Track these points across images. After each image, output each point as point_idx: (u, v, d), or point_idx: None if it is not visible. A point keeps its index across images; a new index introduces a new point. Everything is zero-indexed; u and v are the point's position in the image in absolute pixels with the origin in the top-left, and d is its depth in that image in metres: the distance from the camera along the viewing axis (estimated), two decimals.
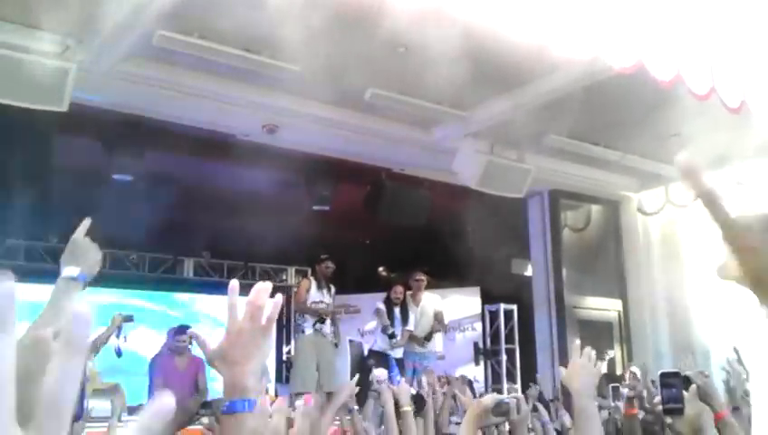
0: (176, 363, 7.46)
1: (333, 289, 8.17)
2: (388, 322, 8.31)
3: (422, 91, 6.22)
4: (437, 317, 8.81)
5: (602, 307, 9.24)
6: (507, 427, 3.11)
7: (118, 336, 7.86)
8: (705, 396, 2.75)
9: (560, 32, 4.59)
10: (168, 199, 7.64)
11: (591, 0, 4.59)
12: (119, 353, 8.07)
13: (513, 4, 4.48)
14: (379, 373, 4.97)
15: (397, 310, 8.40)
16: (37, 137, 5.97)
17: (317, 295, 7.97)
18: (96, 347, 7.50)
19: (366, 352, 8.82)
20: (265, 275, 11.47)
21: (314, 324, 7.85)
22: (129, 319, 8.00)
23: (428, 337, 8.66)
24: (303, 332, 7.95)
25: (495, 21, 4.69)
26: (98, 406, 5.19)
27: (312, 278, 8.31)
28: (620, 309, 9.23)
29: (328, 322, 7.94)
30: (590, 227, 9.54)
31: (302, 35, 4.86)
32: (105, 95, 5.77)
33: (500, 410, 2.56)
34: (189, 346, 7.57)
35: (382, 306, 8.42)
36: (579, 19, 4.57)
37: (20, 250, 9.48)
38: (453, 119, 6.89)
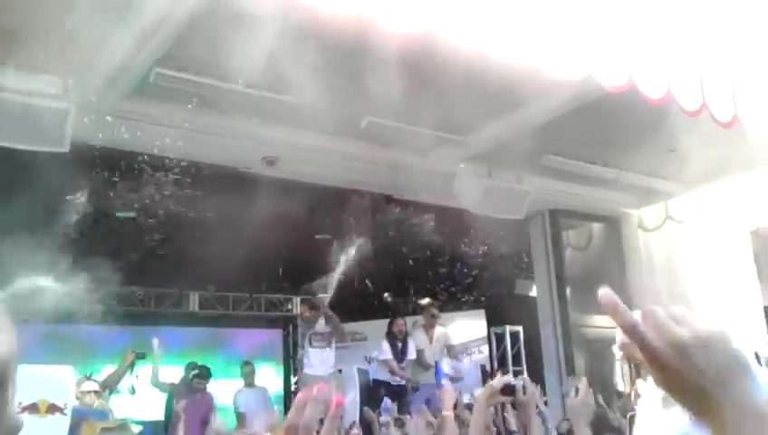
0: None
1: (337, 320, 8.22)
2: (394, 364, 8.31)
3: (418, 117, 6.29)
4: (450, 351, 8.80)
5: (609, 325, 9.11)
6: None
7: (131, 374, 7.93)
8: None
9: (551, 53, 4.67)
10: (171, 234, 7.70)
11: (582, 21, 4.67)
12: (132, 391, 8.10)
13: (504, 28, 4.55)
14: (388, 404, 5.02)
15: (399, 344, 8.39)
16: (39, 177, 6.04)
17: (319, 327, 8.06)
18: (109, 385, 7.55)
19: (371, 381, 8.80)
20: (271, 306, 11.51)
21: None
22: (141, 356, 8.08)
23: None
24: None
25: (488, 45, 4.77)
26: None
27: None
28: None
29: (328, 350, 8.02)
30: (592, 245, 9.56)
31: (296, 68, 4.96)
32: (105, 134, 5.85)
33: (508, 390, 2.84)
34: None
35: (387, 349, 8.39)
36: (569, 40, 4.64)
37: (24, 289, 9.50)
38: (450, 144, 6.96)
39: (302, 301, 11.45)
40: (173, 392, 7.86)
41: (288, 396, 11.27)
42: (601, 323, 9.20)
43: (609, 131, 6.74)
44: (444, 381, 5.95)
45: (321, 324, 8.25)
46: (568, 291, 8.89)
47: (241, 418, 8.13)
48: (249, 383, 8.61)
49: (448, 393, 3.41)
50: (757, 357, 4.42)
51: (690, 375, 0.81)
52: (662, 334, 0.83)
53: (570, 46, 4.65)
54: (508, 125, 6.62)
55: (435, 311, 8.73)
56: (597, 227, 9.59)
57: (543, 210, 8.94)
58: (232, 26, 4.54)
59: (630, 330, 0.86)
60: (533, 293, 9.73)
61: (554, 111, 6.22)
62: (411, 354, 8.43)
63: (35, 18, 4.45)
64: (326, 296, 8.17)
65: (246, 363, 8.80)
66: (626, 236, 9.37)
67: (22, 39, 4.67)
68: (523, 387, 2.95)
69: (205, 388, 7.95)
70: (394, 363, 8.26)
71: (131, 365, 7.93)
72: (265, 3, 4.09)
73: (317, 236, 8.31)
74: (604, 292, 0.89)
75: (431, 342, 8.56)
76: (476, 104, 6.13)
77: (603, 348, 8.94)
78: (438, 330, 8.76)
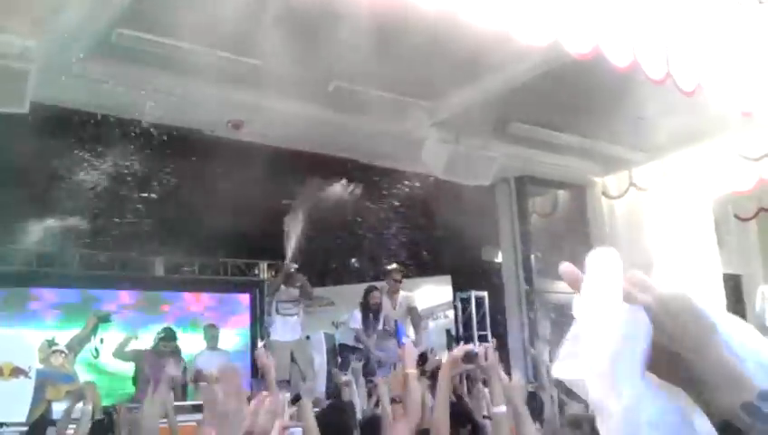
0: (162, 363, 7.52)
1: (301, 279, 8.24)
2: (362, 334, 8.37)
3: (386, 82, 6.26)
4: (412, 313, 8.87)
5: (573, 291, 9.35)
6: None
7: (94, 336, 7.88)
8: None
9: (518, 19, 4.67)
10: (135, 197, 7.62)
11: None
12: (96, 353, 8.06)
13: None
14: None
15: (371, 314, 8.44)
16: None
17: (284, 294, 8.10)
18: (72, 348, 7.51)
19: (337, 345, 8.87)
20: (237, 271, 11.48)
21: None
22: (105, 319, 8.03)
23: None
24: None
25: (455, 10, 4.74)
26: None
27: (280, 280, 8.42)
28: None
29: (295, 318, 8.07)
30: (557, 212, 9.67)
31: (262, 30, 4.89)
32: (65, 95, 5.73)
33: (469, 358, 2.93)
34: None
35: (359, 318, 8.43)
36: (536, 6, 4.65)
37: None
38: (418, 109, 6.94)
39: (269, 266, 11.47)
40: (139, 360, 7.83)
41: (254, 360, 11.32)
42: (566, 289, 9.34)
43: (576, 99, 6.78)
44: (405, 340, 6.00)
45: (287, 292, 8.28)
46: (533, 257, 9.00)
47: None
48: (212, 347, 8.63)
49: (409, 351, 3.46)
50: None
51: (658, 342, 0.80)
52: (626, 297, 0.82)
53: (536, 12, 4.65)
54: (476, 91, 6.62)
55: (398, 275, 8.79)
56: (562, 194, 9.68)
57: (510, 177, 9.00)
58: None
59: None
60: (499, 259, 9.83)
61: (521, 77, 6.24)
62: (380, 326, 8.50)
63: None
64: (294, 265, 8.18)
65: (211, 326, 8.81)
66: (590, 204, 9.47)
67: None
68: (485, 354, 3.01)
69: (173, 350, 7.94)
70: (363, 334, 8.33)
71: (94, 328, 7.88)
72: None
73: (284, 202, 8.27)
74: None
75: (395, 307, 8.63)
76: (444, 70, 6.12)
77: (569, 313, 9.08)
78: (401, 294, 8.82)
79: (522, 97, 6.55)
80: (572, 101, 6.85)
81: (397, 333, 8.22)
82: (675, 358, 0.79)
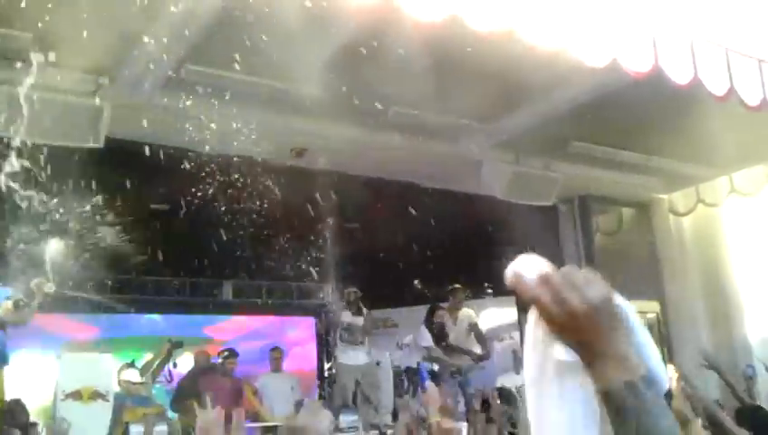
0: (221, 383, 7.73)
1: (365, 311, 8.31)
2: (435, 351, 8.39)
3: (445, 105, 6.33)
4: (474, 329, 8.84)
5: (640, 310, 9.09)
6: None
7: (168, 362, 8.17)
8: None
9: (575, 40, 4.68)
10: (205, 225, 7.86)
11: (606, 7, 4.68)
12: (170, 379, 8.31)
13: (528, 15, 4.56)
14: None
15: (438, 331, 8.46)
16: (75, 172, 6.22)
17: (348, 320, 8.17)
18: (148, 371, 7.79)
19: (403, 368, 8.89)
20: (302, 294, 11.66)
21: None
22: (178, 345, 8.33)
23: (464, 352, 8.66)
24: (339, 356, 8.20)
25: (513, 33, 4.79)
26: None
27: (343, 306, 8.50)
28: (658, 311, 9.18)
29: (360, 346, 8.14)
30: (622, 230, 9.52)
31: (322, 60, 5.04)
32: (139, 129, 5.99)
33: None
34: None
35: (428, 336, 8.46)
36: (594, 26, 4.65)
37: (66, 282, 9.77)
38: (476, 131, 6.99)
39: (333, 289, 11.61)
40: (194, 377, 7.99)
41: (322, 382, 11.44)
42: (635, 308, 9.18)
43: (637, 116, 6.71)
44: (427, 384, 5.81)
45: (352, 319, 8.32)
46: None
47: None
48: (275, 369, 8.74)
49: (432, 397, 3.15)
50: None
51: (579, 334, 0.99)
52: (557, 301, 0.99)
53: (594, 32, 4.65)
54: (535, 112, 6.63)
55: (460, 294, 8.78)
56: (627, 212, 9.54)
57: (573, 196, 8.93)
58: (258, 22, 4.64)
59: (532, 298, 1.02)
60: None
61: (580, 97, 6.22)
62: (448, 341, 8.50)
63: (69, 18, 4.58)
64: (355, 291, 8.25)
65: (274, 349, 8.93)
66: (656, 221, 9.31)
67: (56, 38, 4.82)
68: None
69: (233, 370, 8.13)
70: (435, 350, 8.34)
71: (169, 354, 8.17)
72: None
73: (347, 225, 8.40)
74: (508, 271, 1.06)
75: (455, 323, 8.63)
76: (502, 91, 6.15)
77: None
78: (462, 312, 8.81)
79: (582, 116, 6.52)
80: (634, 119, 6.78)
81: (420, 378, 8.17)
82: (587, 347, 0.98)
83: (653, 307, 9.24)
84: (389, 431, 6.90)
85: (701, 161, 8.16)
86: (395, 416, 7.71)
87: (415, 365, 8.83)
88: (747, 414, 3.82)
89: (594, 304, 0.99)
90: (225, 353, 8.38)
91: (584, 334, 0.99)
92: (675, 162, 8.06)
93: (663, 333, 9.10)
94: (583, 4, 4.56)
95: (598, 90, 5.99)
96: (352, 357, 8.22)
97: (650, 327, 9.16)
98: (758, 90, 5.24)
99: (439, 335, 8.42)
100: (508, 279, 1.05)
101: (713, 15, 5.10)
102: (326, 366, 11.50)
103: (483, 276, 9.75)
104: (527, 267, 1.04)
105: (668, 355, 8.94)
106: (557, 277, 1.01)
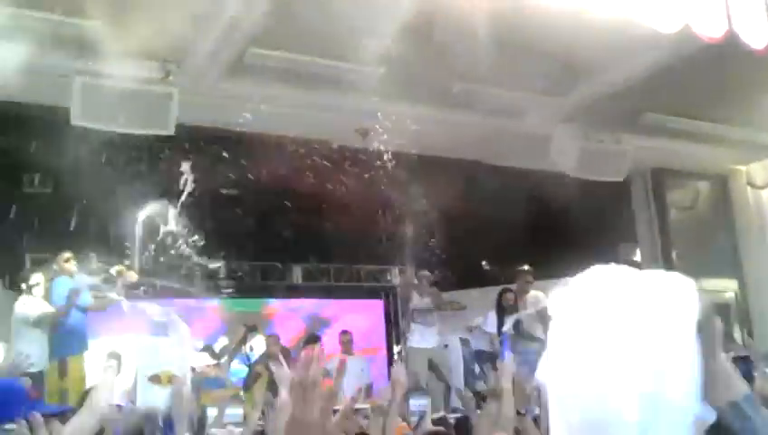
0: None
1: (437, 294, 8.31)
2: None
3: (510, 80, 6.22)
4: (541, 313, 8.68)
5: (718, 289, 8.87)
6: None
7: (244, 345, 8.36)
8: None
9: (646, 6, 4.53)
10: (273, 209, 7.96)
11: None
12: (247, 362, 8.48)
13: None
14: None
15: (506, 317, 8.37)
16: (144, 159, 6.39)
17: (419, 303, 8.16)
18: (225, 355, 7.99)
19: (473, 352, 8.84)
20: (370, 277, 11.72)
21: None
22: (253, 329, 8.51)
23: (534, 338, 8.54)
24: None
25: (579, 2, 4.67)
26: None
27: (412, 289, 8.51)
28: (737, 289, 8.85)
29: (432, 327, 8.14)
30: (698, 204, 9.20)
31: (384, 38, 5.01)
32: (206, 114, 6.11)
33: None
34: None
35: (494, 321, 8.40)
36: None
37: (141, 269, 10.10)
38: (543, 106, 6.84)
39: (400, 271, 11.63)
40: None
41: (390, 366, 11.49)
42: (711, 287, 8.88)
43: (712, 85, 6.45)
44: (506, 355, 5.82)
45: (421, 300, 8.32)
46: (674, 254, 8.61)
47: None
48: (345, 352, 8.81)
49: (507, 369, 3.50)
50: None
51: None
52: None
53: None
54: (603, 84, 6.45)
55: (529, 277, 8.63)
56: (703, 185, 9.21)
57: (645, 170, 8.68)
58: (319, 3, 4.65)
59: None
60: (638, 257, 9.47)
61: (651, 66, 6.01)
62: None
63: (137, 7, 4.69)
64: (424, 273, 8.24)
65: (344, 332, 9.01)
66: (734, 194, 8.96)
67: (125, 27, 4.93)
68: None
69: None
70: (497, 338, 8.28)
71: (244, 338, 8.35)
72: None
73: (414, 207, 8.36)
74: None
75: (524, 307, 8.50)
76: (570, 64, 6.02)
77: (713, 313, 8.63)
78: (531, 294, 8.68)
79: (653, 86, 6.30)
80: (709, 88, 6.52)
81: (502, 345, 8.08)
82: None
83: (731, 285, 8.92)
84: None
85: None
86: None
87: (484, 348, 8.76)
88: None
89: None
90: (305, 338, 8.53)
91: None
92: (752, 131, 7.72)
93: (742, 313, 8.77)
94: None
95: (669, 58, 5.78)
96: (423, 339, 8.21)
97: (728, 306, 8.84)
98: None
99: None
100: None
101: None
102: (395, 349, 11.55)
103: (555, 256, 9.58)
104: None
105: (749, 335, 8.63)
106: None
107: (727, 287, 8.95)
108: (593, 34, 5.12)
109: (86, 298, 6.49)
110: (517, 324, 8.33)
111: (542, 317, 8.68)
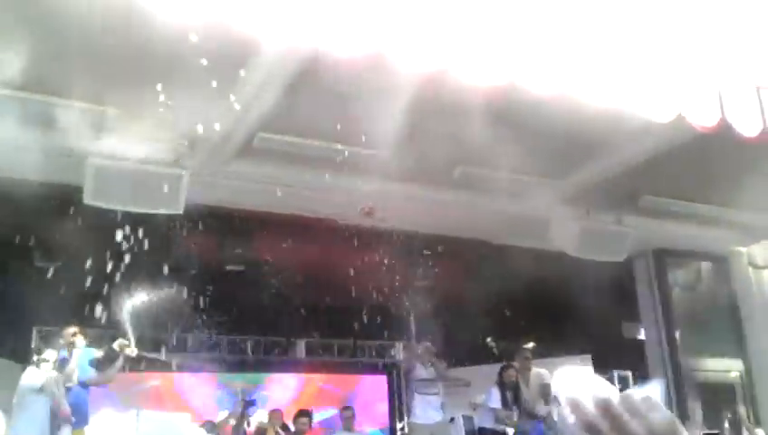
0: None
1: (440, 365, 8.28)
2: (502, 413, 8.26)
3: (511, 163, 6.36)
4: (544, 390, 8.64)
5: (723, 368, 8.84)
6: None
7: (244, 420, 8.32)
8: None
9: (640, 97, 4.69)
10: (277, 285, 8.05)
11: (669, 62, 4.68)
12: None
13: (591, 75, 4.61)
14: None
15: (508, 392, 8.34)
16: (153, 236, 6.51)
17: (422, 373, 8.13)
18: (220, 430, 7.96)
19: (476, 429, 8.76)
20: (374, 353, 11.70)
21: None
22: (250, 403, 8.49)
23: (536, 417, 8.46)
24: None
25: (576, 92, 4.83)
26: None
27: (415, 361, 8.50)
28: (742, 369, 8.80)
29: (435, 397, 8.07)
30: (701, 284, 9.24)
31: (388, 125, 5.19)
32: (214, 195, 6.26)
33: None
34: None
35: (497, 393, 8.36)
36: (657, 82, 4.66)
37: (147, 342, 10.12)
38: (545, 188, 6.98)
39: (404, 347, 11.61)
40: None
41: None
42: (715, 367, 8.84)
43: (709, 168, 6.59)
44: None
45: (423, 370, 8.32)
46: (678, 333, 8.61)
47: None
48: (347, 428, 8.75)
49: None
50: None
51: None
52: (617, 428, 0.88)
53: (657, 89, 4.65)
54: (603, 167, 6.59)
55: (527, 353, 8.63)
56: (705, 265, 9.27)
57: (647, 250, 8.75)
58: (326, 89, 4.84)
59: (591, 426, 0.90)
60: (641, 336, 9.46)
61: (649, 151, 6.16)
62: (521, 402, 8.34)
63: (151, 93, 4.89)
64: (428, 345, 8.26)
65: (346, 408, 8.97)
66: (736, 275, 9.01)
67: (137, 109, 5.14)
68: None
69: (305, 431, 8.23)
70: (503, 412, 8.21)
71: (243, 411, 8.33)
72: (355, 65, 4.34)
73: (417, 283, 8.45)
74: (562, 395, 0.94)
75: (527, 385, 8.46)
76: (569, 147, 6.17)
77: (719, 392, 8.58)
78: (533, 371, 8.64)
79: (651, 170, 6.45)
80: (706, 170, 6.66)
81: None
82: None
83: (736, 366, 8.87)
84: None
85: None
86: None
87: (488, 426, 8.68)
88: None
89: (659, 432, 0.90)
90: (298, 413, 8.51)
91: None
92: (751, 213, 7.82)
93: (747, 394, 8.70)
94: (645, 62, 4.58)
95: (667, 143, 5.93)
96: (426, 414, 8.15)
97: (733, 387, 8.78)
98: None
99: (512, 396, 8.28)
100: (563, 405, 0.94)
101: None
102: (398, 426, 11.43)
103: (558, 334, 9.60)
104: (581, 390, 0.93)
105: (755, 418, 8.54)
106: (618, 404, 0.90)
107: (732, 367, 8.90)
108: (591, 121, 5.27)
109: (88, 372, 6.54)
110: (519, 402, 8.29)
111: (545, 394, 8.63)
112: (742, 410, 8.42)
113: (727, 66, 4.79)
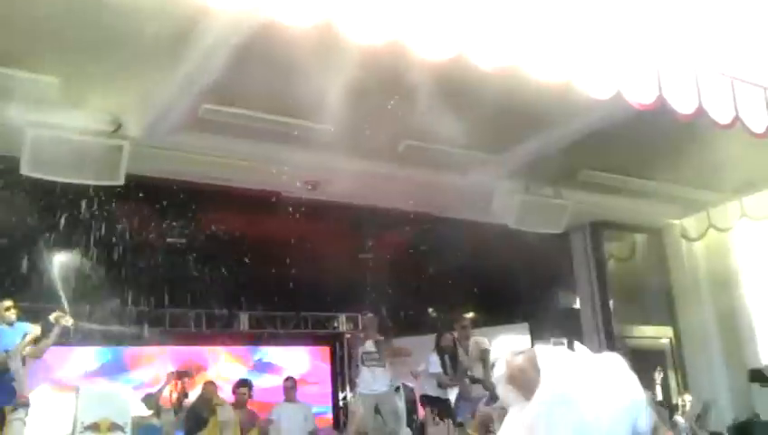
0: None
1: (386, 338, 8.37)
2: (444, 378, 8.41)
3: (454, 138, 6.44)
4: (483, 355, 8.83)
5: (653, 335, 9.22)
6: None
7: (177, 392, 8.24)
8: None
9: (580, 73, 4.79)
10: (221, 257, 7.99)
11: (610, 40, 4.79)
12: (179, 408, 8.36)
13: (534, 51, 4.68)
14: None
15: (447, 357, 8.49)
16: (95, 207, 6.39)
17: (368, 346, 8.20)
18: (152, 403, 7.90)
19: (417, 398, 8.91)
20: (318, 324, 11.76)
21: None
22: (184, 375, 8.42)
23: (476, 380, 8.67)
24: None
25: (519, 68, 4.90)
26: None
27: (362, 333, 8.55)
28: (672, 336, 9.20)
29: (381, 369, 8.16)
30: (635, 255, 9.57)
31: (333, 97, 5.18)
32: (157, 166, 6.16)
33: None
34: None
35: (436, 359, 8.51)
36: (598, 60, 4.76)
37: (86, 314, 9.94)
38: (486, 162, 7.09)
39: (347, 318, 11.70)
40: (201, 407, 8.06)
41: (336, 412, 11.47)
42: (647, 334, 9.21)
43: (647, 144, 6.78)
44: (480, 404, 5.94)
45: (370, 344, 8.38)
46: (611, 302, 8.92)
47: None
48: (288, 399, 8.76)
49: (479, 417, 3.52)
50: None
51: None
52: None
53: (598, 66, 4.76)
54: (543, 142, 6.73)
55: (465, 322, 8.81)
56: (640, 237, 9.60)
57: (585, 223, 9.00)
58: (271, 61, 4.80)
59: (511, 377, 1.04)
60: (577, 305, 9.76)
61: (589, 127, 6.31)
62: (458, 366, 8.52)
63: (89, 60, 4.77)
64: (373, 317, 8.32)
65: (288, 379, 8.96)
66: (669, 246, 9.37)
67: (77, 79, 5.01)
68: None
69: (245, 401, 8.24)
70: (444, 377, 8.37)
71: (176, 384, 8.22)
72: (301, 38, 4.31)
73: (360, 256, 8.51)
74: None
75: (467, 353, 8.65)
76: (511, 123, 6.26)
77: (649, 358, 8.94)
78: (472, 339, 8.83)
79: (590, 145, 6.60)
80: (644, 146, 6.86)
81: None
82: None
83: (666, 332, 9.26)
84: None
85: (712, 187, 8.23)
86: None
87: (431, 393, 8.83)
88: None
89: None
90: (237, 383, 8.47)
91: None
92: (686, 188, 8.13)
93: (677, 359, 9.10)
94: (587, 39, 4.68)
95: (606, 119, 6.07)
96: (372, 383, 8.22)
97: (664, 353, 9.17)
98: (764, 117, 5.32)
99: (450, 361, 8.47)
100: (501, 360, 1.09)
101: (717, 45, 5.19)
102: (341, 395, 11.55)
103: (497, 304, 9.82)
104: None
105: (683, 381, 8.95)
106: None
107: (663, 334, 9.29)
108: (534, 96, 5.36)
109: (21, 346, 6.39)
110: (456, 366, 8.47)
111: (483, 359, 8.83)
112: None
113: (666, 47, 4.92)
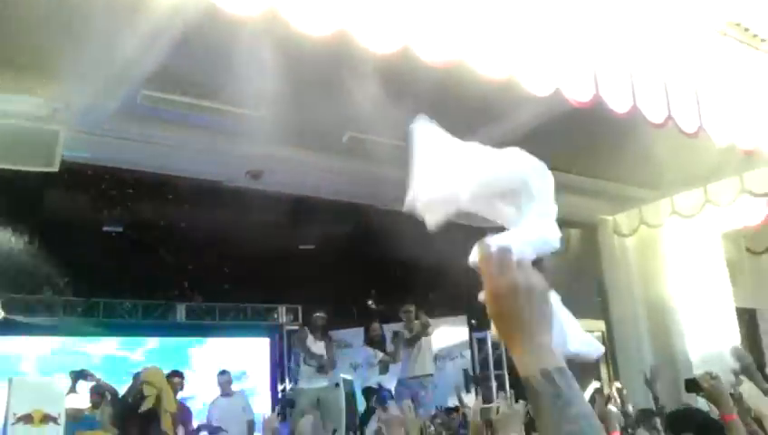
0: None
1: (328, 338, 8.39)
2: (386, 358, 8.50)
3: (397, 130, 6.47)
4: (424, 324, 8.91)
5: (586, 329, 9.38)
6: None
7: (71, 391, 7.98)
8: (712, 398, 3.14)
9: (521, 69, 4.89)
10: (158, 247, 7.86)
11: (550, 39, 4.91)
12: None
13: (475, 47, 4.76)
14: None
15: (377, 348, 8.60)
16: (29, 194, 6.20)
17: (312, 346, 8.21)
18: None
19: (354, 391, 8.96)
20: (257, 315, 11.67)
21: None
22: (81, 376, 8.14)
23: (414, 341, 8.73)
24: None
25: (461, 63, 4.97)
26: None
27: (307, 329, 8.53)
28: (604, 329, 9.46)
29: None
30: (569, 250, 9.78)
31: (277, 86, 5.15)
32: (94, 153, 6.02)
33: (485, 415, 3.26)
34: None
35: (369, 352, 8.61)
36: (537, 57, 4.87)
37: (17, 304, 9.64)
38: None
39: (287, 310, 11.65)
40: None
41: (275, 404, 11.41)
42: (584, 327, 9.45)
43: (582, 141, 6.96)
44: (389, 403, 5.92)
45: (315, 344, 8.35)
46: None
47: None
48: (224, 392, 8.66)
49: (392, 416, 3.48)
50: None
51: (512, 318, 1.11)
52: (503, 272, 1.12)
53: (537, 64, 4.87)
54: (481, 136, 6.77)
55: (408, 308, 8.92)
56: (573, 232, 9.82)
57: None
58: (214, 48, 4.74)
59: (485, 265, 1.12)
60: None
61: (527, 124, 6.42)
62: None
63: (24, 43, 4.63)
64: (323, 316, 8.31)
65: (222, 372, 8.84)
66: (601, 242, 9.62)
67: (11, 63, 4.85)
68: (497, 409, 3.18)
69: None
70: (386, 357, 8.49)
71: (73, 383, 7.95)
72: (245, 25, 4.28)
73: (301, 247, 8.49)
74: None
75: (411, 332, 8.79)
76: (451, 118, 6.31)
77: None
78: (416, 321, 8.95)
79: (527, 141, 6.50)
80: (578, 143, 7.03)
81: (382, 397, 8.27)
82: (514, 338, 1.10)
83: (598, 326, 9.52)
84: None
85: (644, 184, 8.49)
86: None
87: (371, 385, 8.92)
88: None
89: (516, 285, 1.11)
90: (170, 374, 8.31)
91: (507, 321, 1.10)
92: (619, 185, 8.36)
93: (608, 352, 9.36)
94: (527, 38, 4.78)
95: (543, 116, 6.21)
96: (313, 378, 8.26)
97: None
98: (694, 118, 5.54)
99: (380, 349, 8.60)
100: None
101: (652, 48, 5.38)
102: (280, 387, 11.51)
103: (436, 296, 9.93)
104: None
105: (614, 373, 9.22)
106: (494, 257, 1.11)
107: (595, 328, 9.54)
108: (473, 91, 5.44)
109: None
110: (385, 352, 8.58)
111: (423, 325, 8.93)
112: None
113: (603, 48, 5.07)
